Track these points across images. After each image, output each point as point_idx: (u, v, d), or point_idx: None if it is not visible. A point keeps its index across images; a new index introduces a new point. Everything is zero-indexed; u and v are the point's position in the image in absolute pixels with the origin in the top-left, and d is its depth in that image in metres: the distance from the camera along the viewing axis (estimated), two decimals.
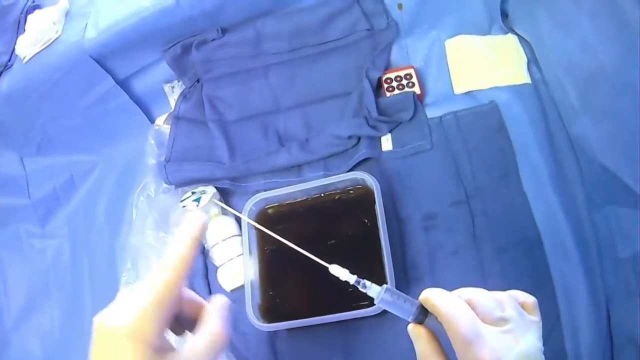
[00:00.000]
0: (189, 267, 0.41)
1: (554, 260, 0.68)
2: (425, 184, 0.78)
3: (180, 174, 0.87)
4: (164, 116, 1.00)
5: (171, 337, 0.44)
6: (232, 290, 0.79)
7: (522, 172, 0.74)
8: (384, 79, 0.85)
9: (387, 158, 0.81)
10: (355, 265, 0.71)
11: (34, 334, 0.95)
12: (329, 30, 0.91)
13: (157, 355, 0.36)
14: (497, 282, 0.69)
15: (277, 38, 0.92)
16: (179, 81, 1.00)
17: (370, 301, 0.61)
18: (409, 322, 0.44)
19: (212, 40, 0.93)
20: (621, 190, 0.58)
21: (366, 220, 0.74)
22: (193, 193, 0.84)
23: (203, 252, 0.84)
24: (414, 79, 0.83)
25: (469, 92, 0.82)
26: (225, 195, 0.87)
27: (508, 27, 0.84)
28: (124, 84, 0.97)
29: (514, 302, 0.42)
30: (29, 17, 1.00)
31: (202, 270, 0.83)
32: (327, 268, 0.50)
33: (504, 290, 0.44)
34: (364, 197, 0.75)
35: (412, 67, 0.85)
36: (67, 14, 1.00)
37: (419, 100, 0.83)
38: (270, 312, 0.74)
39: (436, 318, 0.41)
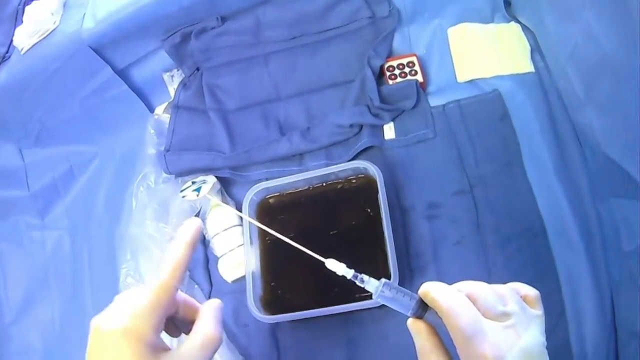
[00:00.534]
0: (183, 271, 0.44)
1: (558, 250, 0.68)
2: (428, 172, 0.77)
3: (180, 163, 0.86)
4: (164, 105, 0.99)
5: (167, 339, 0.46)
6: (233, 281, 0.79)
7: (525, 161, 0.74)
8: (386, 67, 0.84)
9: (390, 147, 0.80)
10: (358, 255, 0.72)
11: (34, 326, 0.95)
12: (330, 17, 0.89)
13: (152, 353, 0.39)
14: (501, 272, 0.68)
15: (278, 26, 0.91)
16: (178, 70, 0.99)
17: None
18: (408, 317, 0.43)
19: (212, 28, 0.91)
20: (626, 182, 0.57)
21: (369, 210, 0.74)
22: (193, 183, 0.83)
23: (204, 242, 0.84)
24: (417, 67, 0.82)
25: (472, 80, 0.81)
26: (226, 184, 0.86)
27: (511, 15, 0.83)
28: (122, 74, 0.96)
29: (516, 295, 0.41)
30: (27, 8, 1.00)
31: (203, 261, 0.83)
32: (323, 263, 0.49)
33: (508, 280, 0.43)
34: (367, 186, 0.75)
35: (415, 55, 0.84)
36: (65, 5, 0.99)
37: (421, 89, 0.82)
38: (271, 303, 0.73)
39: (436, 312, 0.40)
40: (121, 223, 0.93)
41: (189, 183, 0.84)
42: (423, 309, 0.42)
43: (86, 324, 0.42)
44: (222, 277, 0.80)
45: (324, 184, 0.78)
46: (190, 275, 0.82)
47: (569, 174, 0.71)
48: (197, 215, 0.85)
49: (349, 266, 0.48)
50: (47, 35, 0.95)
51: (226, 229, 0.79)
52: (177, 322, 0.48)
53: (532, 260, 0.68)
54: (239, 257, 0.78)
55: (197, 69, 0.97)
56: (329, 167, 0.76)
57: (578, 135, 0.72)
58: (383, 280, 0.45)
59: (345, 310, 0.67)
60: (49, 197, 1.03)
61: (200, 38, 0.92)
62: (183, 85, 0.97)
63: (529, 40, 0.81)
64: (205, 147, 0.88)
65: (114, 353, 0.38)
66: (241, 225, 0.79)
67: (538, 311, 0.41)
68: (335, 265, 0.48)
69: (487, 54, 0.82)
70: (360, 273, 0.47)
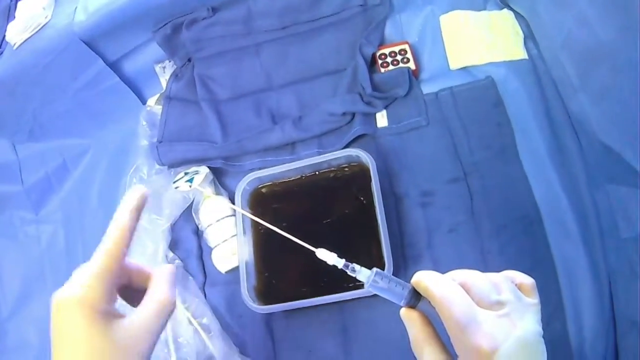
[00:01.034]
0: (128, 238, 0.44)
1: (554, 238, 0.67)
2: (421, 160, 0.77)
3: (173, 154, 0.86)
4: (156, 97, 0.99)
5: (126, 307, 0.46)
6: (227, 272, 0.78)
7: (520, 148, 0.73)
8: (378, 54, 0.83)
9: (383, 134, 0.80)
10: (351, 244, 0.71)
11: (30, 321, 0.94)
12: (321, 6, 0.89)
13: (104, 320, 0.39)
14: (496, 260, 0.68)
15: (269, 15, 0.90)
16: (170, 61, 0.98)
17: None
18: (401, 307, 0.43)
19: (203, 19, 0.91)
20: (622, 168, 0.57)
21: (362, 198, 0.73)
22: (186, 174, 0.82)
23: (197, 233, 0.83)
24: (409, 55, 0.82)
25: (464, 67, 0.81)
26: (218, 174, 0.86)
27: (504, 2, 0.83)
28: (114, 66, 0.95)
29: (511, 284, 0.39)
30: (19, 3, 0.99)
31: (197, 251, 0.83)
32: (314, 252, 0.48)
33: (504, 268, 0.42)
34: (360, 175, 0.74)
35: (407, 43, 0.83)
36: None
37: (414, 76, 0.81)
38: (265, 293, 0.73)
39: (429, 302, 0.40)
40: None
41: (182, 174, 0.83)
42: (416, 298, 0.41)
43: None
44: (216, 268, 0.79)
45: (317, 173, 0.77)
46: (184, 267, 0.82)
47: (563, 161, 0.71)
48: (190, 206, 0.84)
49: (341, 255, 0.47)
50: (39, 30, 0.94)
51: (219, 220, 0.79)
52: (134, 291, 0.47)
53: (527, 248, 0.68)
54: (233, 248, 0.77)
55: (189, 60, 0.97)
56: (321, 156, 0.75)
57: (572, 122, 0.72)
58: (375, 269, 0.44)
59: (338, 300, 0.66)
60: (43, 191, 1.03)
61: (191, 29, 0.92)
62: (175, 76, 0.96)
63: (522, 28, 0.80)
64: (197, 138, 0.88)
65: (68, 322, 0.39)
66: (234, 215, 0.79)
67: (534, 300, 0.39)
68: (326, 255, 0.47)
69: (480, 41, 0.81)
70: (352, 262, 0.46)
